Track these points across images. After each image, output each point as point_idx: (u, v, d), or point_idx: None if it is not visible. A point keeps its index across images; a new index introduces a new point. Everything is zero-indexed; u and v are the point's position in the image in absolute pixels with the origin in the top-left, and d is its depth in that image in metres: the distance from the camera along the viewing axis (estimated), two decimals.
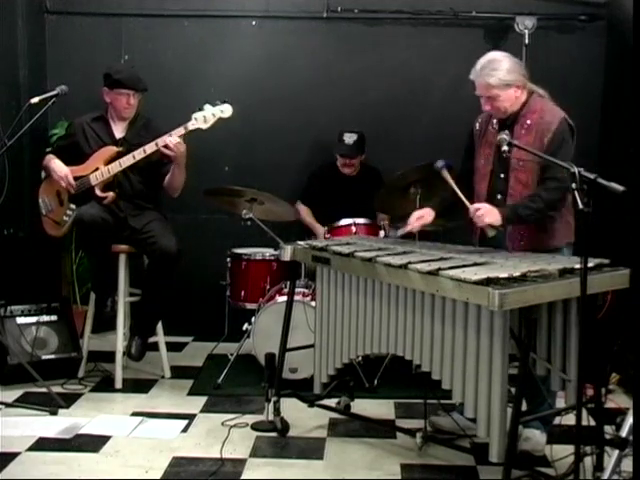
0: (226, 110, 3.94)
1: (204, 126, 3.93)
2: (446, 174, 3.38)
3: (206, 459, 3.26)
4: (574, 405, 2.65)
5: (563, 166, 2.65)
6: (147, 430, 3.58)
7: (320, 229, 4.62)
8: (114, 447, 3.37)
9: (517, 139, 3.17)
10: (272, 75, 5.11)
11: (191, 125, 3.92)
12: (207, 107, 3.93)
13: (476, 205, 3.18)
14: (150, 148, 3.95)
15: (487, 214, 3.12)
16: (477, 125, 3.44)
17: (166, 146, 3.91)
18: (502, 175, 3.28)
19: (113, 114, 4.18)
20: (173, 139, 3.90)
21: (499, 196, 3.27)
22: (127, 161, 4.00)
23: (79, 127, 4.20)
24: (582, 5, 4.98)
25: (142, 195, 4.18)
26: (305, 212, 4.82)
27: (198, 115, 3.93)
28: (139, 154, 3.97)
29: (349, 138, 4.71)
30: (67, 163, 4.13)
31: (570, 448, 2.61)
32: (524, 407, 3.27)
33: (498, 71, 3.20)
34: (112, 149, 4.09)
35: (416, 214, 3.43)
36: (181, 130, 3.92)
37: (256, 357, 4.17)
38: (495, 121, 3.34)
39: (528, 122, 3.23)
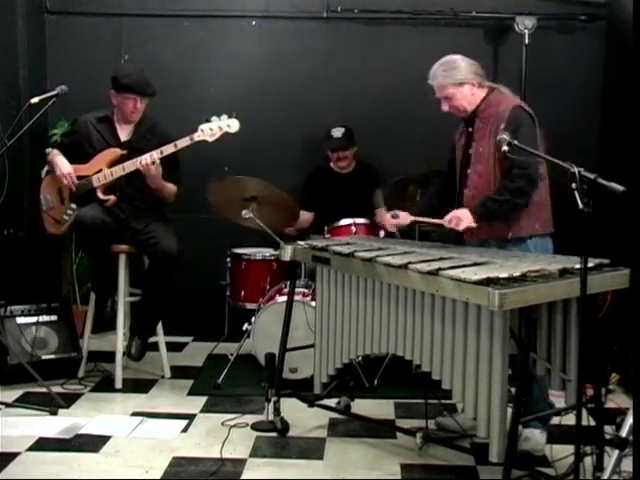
0: (233, 125, 3.93)
1: (209, 139, 3.92)
2: (404, 219, 3.49)
3: (206, 459, 3.26)
4: (574, 405, 2.65)
5: (563, 166, 2.65)
6: (147, 430, 3.58)
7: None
8: (114, 447, 3.37)
9: (477, 133, 3.31)
10: (272, 75, 5.11)
11: (197, 137, 3.91)
12: (214, 119, 3.93)
13: (446, 217, 3.28)
14: (157, 154, 3.93)
15: (460, 219, 3.22)
16: (457, 135, 3.53)
17: (147, 165, 3.91)
18: (468, 171, 3.37)
19: (119, 116, 4.15)
20: (149, 158, 3.89)
21: (466, 190, 3.36)
22: (131, 167, 3.98)
23: (83, 125, 4.17)
24: (582, 5, 4.98)
25: (143, 198, 4.17)
26: (306, 219, 4.83)
27: (205, 127, 3.92)
28: (145, 160, 3.94)
29: (337, 132, 4.74)
30: (70, 160, 4.12)
31: (570, 448, 2.61)
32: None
33: (450, 71, 3.34)
34: (116, 152, 4.07)
35: (390, 214, 3.54)
36: (187, 140, 3.92)
37: (256, 357, 4.17)
38: (462, 123, 3.45)
39: (485, 116, 3.32)
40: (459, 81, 3.31)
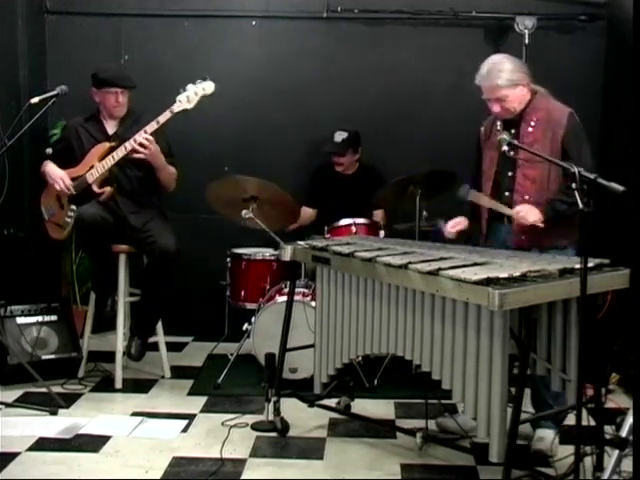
0: (208, 87, 3.95)
1: (189, 106, 3.94)
2: (476, 197, 3.41)
3: (206, 459, 3.26)
4: (574, 405, 2.65)
5: (563, 166, 2.66)
6: (147, 430, 3.58)
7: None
8: (114, 447, 3.37)
9: (524, 137, 3.23)
10: (272, 75, 5.11)
11: (176, 107, 3.93)
12: (189, 87, 3.95)
13: (517, 208, 3.23)
14: (139, 137, 3.94)
15: (529, 214, 3.19)
16: (482, 130, 3.49)
17: (141, 144, 3.91)
18: (510, 173, 3.32)
19: (105, 113, 4.18)
20: (139, 138, 3.91)
21: (507, 193, 3.32)
22: (119, 153, 4.00)
23: (72, 129, 4.22)
24: (582, 5, 4.98)
25: (141, 190, 4.18)
26: (309, 215, 4.82)
27: (182, 97, 3.94)
28: (130, 144, 3.96)
29: (338, 136, 4.73)
30: (65, 166, 4.14)
31: (570, 448, 2.62)
32: (530, 409, 3.29)
33: (504, 72, 3.25)
34: (105, 145, 4.10)
35: (452, 222, 3.52)
36: (167, 114, 3.93)
37: (256, 357, 4.17)
38: (499, 123, 3.38)
39: (534, 120, 3.27)
40: (514, 82, 3.25)
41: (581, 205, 2.48)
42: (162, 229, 4.07)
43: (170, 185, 4.21)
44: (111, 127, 4.19)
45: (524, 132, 3.27)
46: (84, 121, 4.21)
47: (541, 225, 3.19)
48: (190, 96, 3.93)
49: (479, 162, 3.49)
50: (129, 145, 3.97)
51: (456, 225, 3.50)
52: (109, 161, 4.03)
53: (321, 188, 4.85)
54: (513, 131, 3.30)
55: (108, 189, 4.09)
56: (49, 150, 4.30)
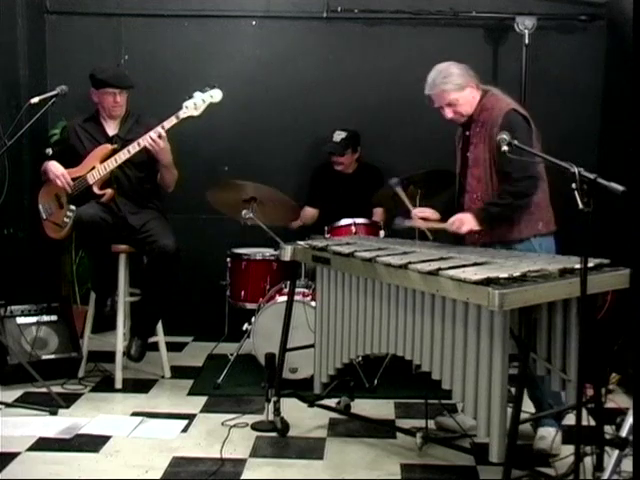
0: (215, 95, 3.95)
1: (195, 113, 3.94)
2: (400, 191, 3.61)
3: (206, 459, 3.26)
4: (574, 405, 2.65)
5: (564, 166, 2.65)
6: (147, 430, 3.58)
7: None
8: (114, 447, 3.37)
9: (473, 137, 3.31)
10: (272, 75, 5.11)
11: (182, 114, 3.93)
12: (197, 94, 3.95)
13: (450, 220, 3.31)
14: (144, 141, 3.95)
15: (463, 223, 3.26)
16: (456, 139, 3.54)
17: (153, 141, 3.92)
18: (467, 174, 3.38)
19: (104, 113, 4.18)
20: (153, 134, 3.91)
21: (466, 195, 3.38)
22: (122, 156, 4.00)
23: (72, 130, 4.22)
24: (582, 5, 4.98)
25: (140, 191, 4.18)
26: (311, 215, 4.82)
27: (188, 103, 3.94)
28: (134, 148, 3.97)
29: (337, 136, 4.74)
30: (66, 167, 4.13)
31: (570, 448, 2.62)
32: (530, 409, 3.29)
33: (450, 76, 3.32)
34: (107, 147, 4.10)
35: (419, 211, 3.56)
36: (173, 120, 3.93)
37: (256, 357, 4.17)
38: (460, 128, 3.46)
39: (481, 120, 3.33)
40: (460, 85, 3.31)
41: (581, 205, 2.48)
42: (162, 229, 4.07)
43: (171, 185, 4.22)
44: (111, 128, 4.19)
45: (473, 133, 3.34)
46: (83, 122, 4.21)
47: (477, 229, 3.24)
48: (197, 103, 3.93)
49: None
50: (132, 148, 3.97)
51: (425, 219, 3.52)
52: (111, 163, 4.03)
53: (321, 188, 4.85)
54: (467, 133, 3.37)
55: (109, 191, 4.09)
56: (49, 150, 4.29)
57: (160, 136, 3.93)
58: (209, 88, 3.96)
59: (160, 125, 3.94)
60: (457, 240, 3.40)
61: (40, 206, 4.27)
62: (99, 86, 4.10)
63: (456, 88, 3.31)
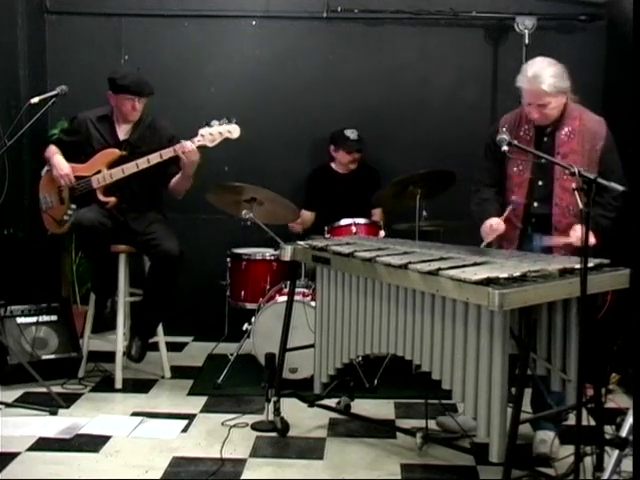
0: (234, 131, 3.90)
1: (209, 145, 3.90)
2: (549, 241, 3.24)
3: (206, 459, 3.25)
4: (574, 405, 2.65)
5: (564, 166, 2.66)
6: (147, 430, 3.58)
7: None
8: (114, 447, 3.37)
9: (560, 146, 3.18)
10: (272, 75, 5.11)
11: (197, 141, 3.89)
12: (214, 123, 3.89)
13: (576, 233, 3.06)
14: (154, 159, 3.93)
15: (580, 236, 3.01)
16: (503, 130, 3.21)
17: (182, 152, 3.88)
18: (540, 182, 3.25)
19: (118, 116, 4.14)
20: (188, 146, 3.86)
21: (536, 204, 3.25)
22: (130, 169, 3.97)
23: (83, 123, 4.16)
24: (582, 5, 4.98)
25: (142, 196, 4.17)
26: (309, 218, 4.83)
27: (205, 132, 3.89)
28: (143, 164, 3.94)
29: (352, 133, 4.75)
30: (69, 158, 4.10)
31: (570, 448, 2.62)
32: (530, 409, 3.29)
33: (551, 78, 3.15)
34: (115, 152, 4.06)
35: (489, 223, 3.31)
36: (195, 142, 3.88)
37: (256, 357, 4.17)
38: (527, 126, 3.27)
39: (569, 128, 3.21)
40: (560, 90, 3.15)
41: (581, 205, 2.48)
42: (165, 232, 4.05)
43: (181, 194, 4.18)
44: (123, 132, 4.14)
45: (559, 141, 3.20)
46: (96, 120, 4.14)
47: (595, 243, 3.01)
48: (214, 134, 3.88)
49: (494, 165, 3.36)
50: (141, 164, 3.93)
51: (494, 230, 3.29)
52: (118, 173, 3.99)
53: (318, 190, 4.85)
54: (546, 139, 3.23)
55: (113, 199, 4.06)
56: (53, 136, 4.21)
57: (192, 152, 3.87)
58: (227, 121, 3.89)
59: (172, 149, 3.89)
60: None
61: (40, 196, 4.22)
62: (118, 91, 4.03)
63: (555, 91, 3.13)
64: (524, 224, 3.30)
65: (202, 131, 3.90)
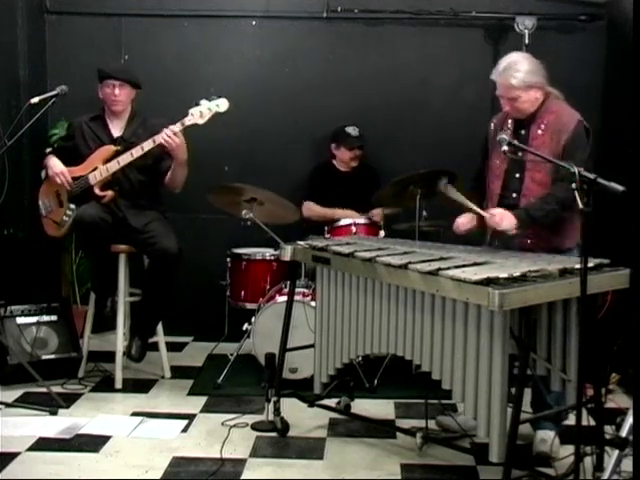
0: (222, 104, 3.95)
1: (200, 121, 3.94)
2: (452, 191, 3.42)
3: (206, 459, 3.26)
4: (574, 405, 2.65)
5: (564, 166, 2.66)
6: (147, 430, 3.58)
7: (340, 212, 4.61)
8: (114, 447, 3.37)
9: (533, 139, 3.21)
10: (272, 75, 5.11)
11: (188, 121, 3.93)
12: (203, 102, 3.95)
13: (491, 211, 3.21)
14: (148, 145, 3.95)
15: (502, 219, 3.15)
16: (492, 125, 3.46)
17: (169, 137, 3.91)
18: (517, 175, 3.29)
19: (109, 112, 4.18)
20: (168, 131, 3.90)
21: (514, 195, 3.29)
22: (125, 159, 4.00)
23: (78, 127, 4.21)
24: (582, 5, 4.97)
25: (141, 193, 4.18)
26: (317, 206, 4.79)
27: (194, 110, 3.94)
28: (137, 152, 3.97)
29: (353, 130, 4.76)
30: (68, 164, 4.13)
31: (570, 448, 2.62)
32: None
33: (521, 72, 3.21)
34: (110, 148, 4.09)
35: (458, 222, 3.43)
36: (178, 126, 3.93)
37: (256, 357, 4.17)
38: (510, 121, 3.35)
39: (545, 123, 3.24)
40: (529, 84, 3.21)
41: (581, 205, 2.48)
42: (163, 230, 4.06)
43: (179, 186, 4.18)
44: (116, 129, 4.18)
45: (533, 134, 3.24)
46: (89, 120, 4.20)
47: (514, 232, 3.15)
48: (203, 112, 3.93)
49: (485, 158, 3.46)
50: (135, 152, 3.96)
51: (464, 224, 3.42)
52: (114, 166, 4.02)
53: (321, 186, 4.84)
54: (522, 132, 3.28)
55: (110, 193, 4.09)
56: (49, 150, 4.29)
57: (175, 133, 3.91)
58: (215, 96, 3.95)
59: (164, 132, 3.92)
60: (505, 243, 3.29)
61: (40, 202, 4.26)
62: (101, 79, 4.11)
63: (523, 86, 3.20)
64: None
65: (192, 110, 3.95)
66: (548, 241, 3.22)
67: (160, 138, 3.92)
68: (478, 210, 3.29)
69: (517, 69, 3.21)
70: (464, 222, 3.42)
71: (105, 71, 4.11)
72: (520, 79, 3.20)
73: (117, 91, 4.10)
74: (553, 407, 3.17)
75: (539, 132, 3.24)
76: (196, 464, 3.20)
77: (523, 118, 3.29)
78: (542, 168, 3.19)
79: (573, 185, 2.50)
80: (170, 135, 3.90)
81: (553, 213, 3.14)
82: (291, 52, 5.13)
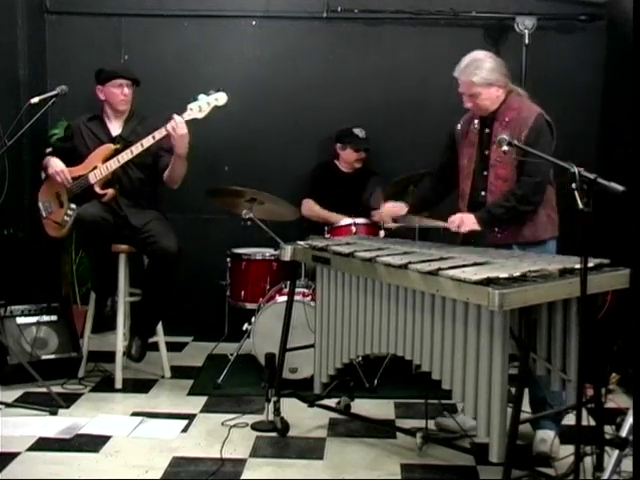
0: (221, 98, 3.97)
1: (200, 115, 3.94)
2: (408, 219, 3.59)
3: (206, 459, 3.26)
4: (574, 405, 2.65)
5: (564, 166, 2.65)
6: (147, 430, 3.58)
7: (337, 217, 4.59)
8: (114, 447, 3.37)
9: (495, 136, 3.26)
10: (272, 75, 5.11)
11: (187, 115, 3.94)
12: (201, 97, 3.96)
13: (450, 219, 3.32)
14: (147, 142, 3.96)
15: (464, 223, 3.26)
16: (459, 126, 3.52)
17: (176, 124, 3.90)
18: (484, 172, 3.35)
19: (109, 112, 4.19)
20: (173, 122, 3.89)
21: (482, 193, 3.35)
22: (125, 156, 4.01)
23: (76, 128, 4.23)
24: (582, 5, 4.98)
25: (141, 191, 4.19)
26: (317, 206, 4.79)
27: (193, 105, 3.95)
28: (137, 148, 3.98)
29: (360, 132, 4.77)
30: (67, 164, 4.14)
31: (570, 448, 2.61)
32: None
33: (481, 70, 3.28)
34: (109, 147, 4.10)
35: (388, 207, 3.64)
36: (184, 116, 3.92)
37: (256, 357, 4.17)
38: (477, 121, 3.41)
39: (506, 119, 3.30)
40: (489, 81, 3.27)
41: (581, 205, 2.48)
42: (163, 229, 4.06)
43: (178, 181, 4.17)
44: (115, 128, 4.20)
45: (495, 132, 3.30)
46: (87, 120, 4.22)
47: (478, 229, 3.24)
48: (202, 106, 3.94)
49: (448, 160, 3.53)
50: (135, 149, 3.97)
51: (391, 212, 3.59)
52: (114, 164, 4.03)
53: (322, 185, 4.84)
54: (487, 130, 3.35)
55: (111, 191, 4.09)
56: (49, 150, 4.29)
57: (179, 125, 3.90)
58: (214, 91, 3.97)
59: (164, 128, 3.92)
60: (478, 240, 3.35)
61: (40, 204, 4.27)
62: (107, 80, 4.10)
63: (483, 83, 3.27)
64: (470, 212, 3.40)
65: (190, 105, 3.95)
66: (519, 235, 3.28)
67: (159, 133, 3.92)
68: (436, 223, 3.42)
69: (478, 66, 3.28)
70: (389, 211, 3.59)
71: (113, 71, 4.13)
72: (481, 76, 3.27)
73: (127, 90, 4.13)
74: (553, 407, 3.17)
75: (500, 129, 3.29)
76: (196, 464, 3.20)
77: (485, 116, 3.35)
78: (507, 164, 3.25)
79: (573, 185, 2.50)
80: (177, 122, 3.89)
81: (513, 210, 3.22)
82: (291, 52, 5.13)
